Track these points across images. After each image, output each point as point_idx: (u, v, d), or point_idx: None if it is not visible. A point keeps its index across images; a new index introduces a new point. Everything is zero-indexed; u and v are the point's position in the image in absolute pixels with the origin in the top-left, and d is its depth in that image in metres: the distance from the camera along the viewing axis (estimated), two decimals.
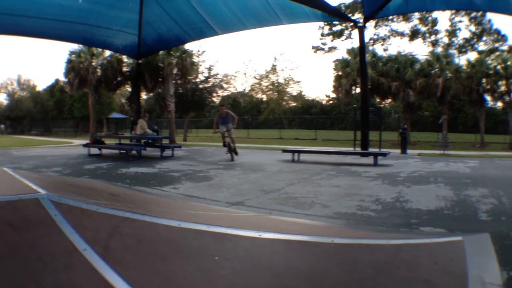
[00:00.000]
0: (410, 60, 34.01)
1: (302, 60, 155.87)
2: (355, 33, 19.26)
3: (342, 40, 57.61)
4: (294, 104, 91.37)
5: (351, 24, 27.39)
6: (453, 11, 38.50)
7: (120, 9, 18.51)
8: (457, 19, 40.96)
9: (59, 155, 18.76)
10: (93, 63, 34.63)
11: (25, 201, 4.36)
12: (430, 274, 2.90)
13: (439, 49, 39.02)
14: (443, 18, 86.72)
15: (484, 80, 30.69)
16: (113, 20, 19.39)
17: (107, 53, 34.43)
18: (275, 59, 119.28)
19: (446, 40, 43.30)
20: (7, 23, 16.76)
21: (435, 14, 42.03)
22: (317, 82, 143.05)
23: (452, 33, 41.44)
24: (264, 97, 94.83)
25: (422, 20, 41.07)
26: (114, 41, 22.23)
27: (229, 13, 17.56)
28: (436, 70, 32.05)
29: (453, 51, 39.44)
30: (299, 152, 15.91)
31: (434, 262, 3.29)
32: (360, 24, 18.28)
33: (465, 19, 41.98)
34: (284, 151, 16.61)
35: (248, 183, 9.75)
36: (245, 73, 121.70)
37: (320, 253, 3.56)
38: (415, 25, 42.49)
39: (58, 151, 22.38)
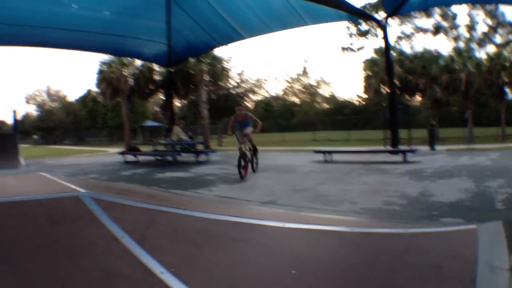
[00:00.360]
0: (434, 57, 33.85)
1: (333, 61, 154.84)
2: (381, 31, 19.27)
3: (369, 39, 57.01)
4: (327, 106, 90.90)
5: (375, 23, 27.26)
6: (470, 5, 38.01)
7: (147, 19, 18.86)
8: (474, 12, 40.38)
9: (95, 163, 19.12)
10: (125, 73, 35.14)
11: (66, 199, 4.70)
12: (442, 259, 3.06)
13: (461, 44, 38.68)
14: (462, 13, 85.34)
15: (503, 73, 30.45)
16: (141, 30, 19.75)
17: (138, 62, 34.92)
18: (306, 61, 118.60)
19: (466, 34, 42.81)
20: (33, 35, 17.30)
21: (455, 9, 41.72)
22: (348, 83, 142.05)
23: (471, 27, 40.92)
24: (297, 100, 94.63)
25: (443, 16, 40.60)
26: (144, 51, 22.61)
27: (254, 17, 17.72)
28: (460, 65, 31.90)
29: (474, 45, 39.00)
30: (331, 152, 15.97)
31: (446, 248, 3.48)
32: (383, 23, 18.34)
33: (481, 13, 41.39)
34: (316, 152, 16.72)
35: (281, 184, 9.87)
36: (276, 77, 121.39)
37: (339, 240, 3.79)
38: (438, 21, 42.02)
39: (93, 159, 22.74)
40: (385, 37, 17.94)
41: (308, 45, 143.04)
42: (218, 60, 33.83)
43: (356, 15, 18.73)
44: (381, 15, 19.52)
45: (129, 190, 7.57)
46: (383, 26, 18.01)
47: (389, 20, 18.40)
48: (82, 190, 4.89)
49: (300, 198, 7.68)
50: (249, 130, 12.15)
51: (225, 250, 3.39)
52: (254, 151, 12.56)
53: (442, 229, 4.56)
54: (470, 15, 37.20)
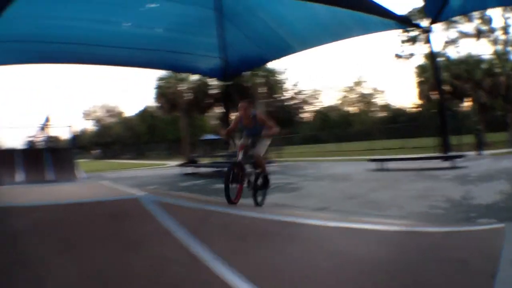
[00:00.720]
0: (477, 61, 33.43)
1: (387, 69, 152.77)
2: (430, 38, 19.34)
3: (420, 46, 56.21)
4: (383, 114, 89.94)
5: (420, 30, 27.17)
6: (503, 8, 37.14)
7: (199, 34, 19.36)
8: (506, 15, 39.37)
9: (155, 175, 19.74)
10: (181, 88, 35.89)
11: (126, 200, 5.19)
12: (467, 255, 3.30)
13: (499, 47, 38.02)
14: (497, 16, 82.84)
15: None
16: (194, 46, 20.38)
17: (195, 77, 35.58)
18: (360, 70, 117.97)
19: (503, 37, 41.82)
20: (90, 53, 18.13)
21: (491, 12, 40.80)
22: (404, 90, 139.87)
23: (505, 30, 39.93)
24: (353, 110, 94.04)
25: (482, 20, 39.71)
26: (199, 65, 23.17)
27: (304, 30, 18.02)
28: (499, 68, 31.47)
29: (510, 48, 38.30)
30: (384, 160, 16.11)
31: (474, 245, 3.73)
32: (427, 29, 18.45)
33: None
34: (370, 160, 16.86)
35: (334, 192, 10.09)
36: (332, 87, 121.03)
37: (374, 237, 4.11)
38: (478, 25, 41.13)
39: (153, 172, 23.34)
40: (430, 43, 18.11)
41: (361, 54, 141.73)
42: (272, 72, 34.08)
43: (401, 22, 18.71)
44: (427, 21, 19.56)
45: (187, 197, 7.97)
46: (427, 32, 18.12)
47: (434, 26, 18.43)
48: (142, 194, 5.32)
49: (351, 205, 7.87)
50: (262, 147, 7.26)
51: (270, 243, 3.72)
52: (264, 179, 7.47)
53: (472, 228, 4.77)
54: (504, 18, 36.64)
